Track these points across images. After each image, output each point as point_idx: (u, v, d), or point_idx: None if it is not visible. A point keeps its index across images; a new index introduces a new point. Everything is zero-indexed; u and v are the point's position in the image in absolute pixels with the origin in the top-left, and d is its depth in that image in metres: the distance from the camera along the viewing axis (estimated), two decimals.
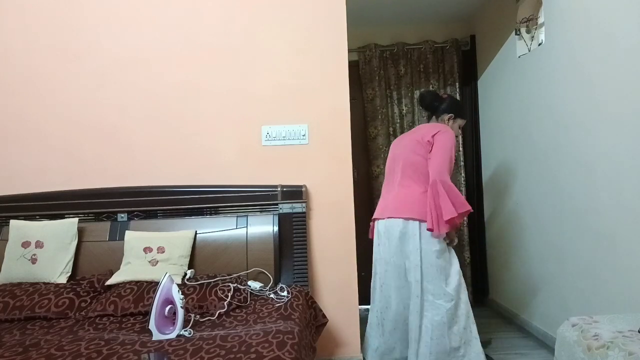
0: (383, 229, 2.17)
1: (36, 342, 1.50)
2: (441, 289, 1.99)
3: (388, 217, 2.13)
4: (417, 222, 2.03)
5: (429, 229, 1.99)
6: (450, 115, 2.26)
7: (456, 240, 2.12)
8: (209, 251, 2.16)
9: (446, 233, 2.00)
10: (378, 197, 3.55)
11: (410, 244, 2.04)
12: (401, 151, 2.20)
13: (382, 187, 2.36)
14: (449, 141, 2.06)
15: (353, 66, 3.29)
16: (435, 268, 2.01)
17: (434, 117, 2.30)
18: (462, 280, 2.06)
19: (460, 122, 2.31)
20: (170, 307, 1.56)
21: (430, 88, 3.48)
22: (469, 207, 1.99)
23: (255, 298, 1.94)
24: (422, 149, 2.10)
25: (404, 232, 2.05)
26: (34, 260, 2.03)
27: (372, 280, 2.26)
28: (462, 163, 3.44)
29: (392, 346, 2.15)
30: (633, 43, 1.76)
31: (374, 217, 2.29)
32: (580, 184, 2.15)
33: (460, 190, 3.44)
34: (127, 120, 2.35)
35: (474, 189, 3.44)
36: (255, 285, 2.02)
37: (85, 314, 1.81)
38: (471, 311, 2.04)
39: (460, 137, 3.46)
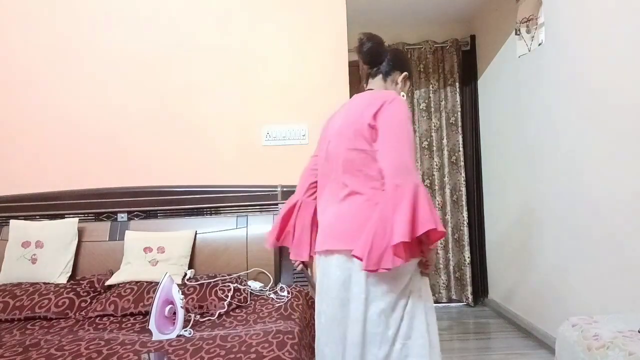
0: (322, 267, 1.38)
1: (36, 342, 1.50)
2: None
3: (326, 251, 1.35)
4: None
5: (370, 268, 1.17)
6: (404, 73, 1.47)
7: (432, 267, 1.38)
8: (209, 251, 2.16)
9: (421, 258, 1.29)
10: None
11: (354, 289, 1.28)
12: (337, 144, 1.38)
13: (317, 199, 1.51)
14: (403, 113, 1.28)
15: (353, 66, 3.28)
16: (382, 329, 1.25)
17: (379, 75, 1.45)
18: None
19: (409, 82, 1.52)
20: (170, 307, 1.56)
21: (430, 88, 3.47)
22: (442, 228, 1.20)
23: (255, 298, 1.94)
24: (362, 139, 1.30)
25: (347, 275, 1.28)
26: (34, 260, 2.03)
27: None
28: (462, 163, 3.44)
29: None
30: (633, 43, 1.76)
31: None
32: (580, 183, 2.15)
33: (461, 191, 3.44)
34: (127, 121, 2.35)
35: (473, 189, 3.44)
36: (255, 285, 2.02)
37: (85, 314, 1.81)
38: None
39: (460, 135, 3.46)
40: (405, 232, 1.13)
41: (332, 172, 1.39)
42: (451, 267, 3.45)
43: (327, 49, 2.35)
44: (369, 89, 1.45)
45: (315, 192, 1.54)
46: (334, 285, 1.30)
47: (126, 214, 2.28)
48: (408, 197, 1.16)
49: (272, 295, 1.94)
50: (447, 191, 3.45)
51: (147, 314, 1.72)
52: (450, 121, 3.45)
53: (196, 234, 2.17)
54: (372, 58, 1.44)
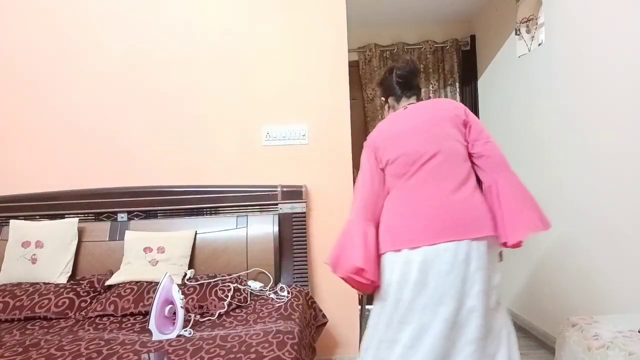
0: (432, 260, 1.38)
1: (36, 342, 1.50)
2: None
3: (448, 241, 1.37)
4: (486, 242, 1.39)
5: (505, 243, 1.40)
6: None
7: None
8: (209, 251, 2.16)
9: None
10: None
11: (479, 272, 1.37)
12: (432, 141, 1.46)
13: (387, 199, 1.51)
14: None
15: (353, 66, 3.29)
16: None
17: (414, 96, 1.64)
18: None
19: None
20: (170, 307, 1.56)
21: (431, 88, 3.47)
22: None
23: (255, 298, 1.94)
24: (459, 133, 1.49)
25: (468, 258, 1.37)
26: (34, 260, 2.03)
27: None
28: None
29: None
30: (633, 43, 1.76)
31: (399, 247, 1.43)
32: (580, 183, 2.15)
33: None
34: (127, 121, 2.35)
35: None
36: (255, 285, 2.02)
37: (85, 314, 1.81)
38: None
39: None
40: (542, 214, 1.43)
41: (429, 168, 1.44)
42: None
43: (327, 49, 2.35)
44: (411, 103, 1.62)
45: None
46: (455, 265, 1.36)
47: (126, 214, 2.28)
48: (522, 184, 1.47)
49: (272, 295, 1.94)
50: None
51: (147, 314, 1.72)
52: None
53: (196, 234, 2.17)
54: (413, 86, 1.65)
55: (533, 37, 2.54)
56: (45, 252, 2.05)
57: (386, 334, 1.41)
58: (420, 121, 1.51)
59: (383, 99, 1.72)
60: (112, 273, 2.04)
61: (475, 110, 3.47)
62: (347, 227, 1.49)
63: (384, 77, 1.69)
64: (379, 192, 1.51)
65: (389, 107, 1.70)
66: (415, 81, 1.65)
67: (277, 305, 1.82)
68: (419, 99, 1.66)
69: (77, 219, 2.17)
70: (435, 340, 1.33)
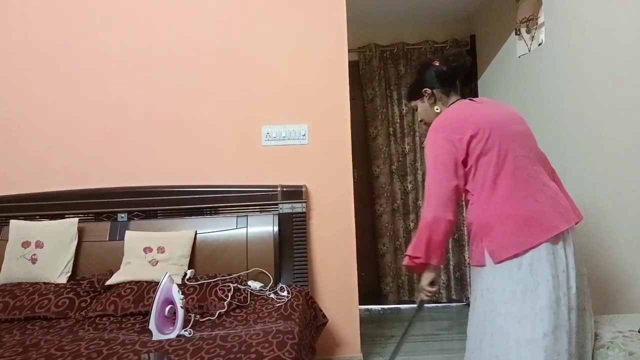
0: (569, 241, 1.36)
1: (36, 342, 1.50)
2: None
3: (575, 224, 1.40)
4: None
5: None
6: None
7: None
8: (209, 251, 2.16)
9: None
10: (378, 197, 3.61)
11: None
12: (520, 138, 1.44)
13: (508, 182, 1.37)
14: None
15: (353, 66, 3.29)
16: None
17: (457, 94, 1.61)
18: None
19: None
20: (170, 307, 1.56)
21: None
22: None
23: (255, 298, 1.94)
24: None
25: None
26: (34, 260, 2.03)
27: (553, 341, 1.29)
28: None
29: None
30: (633, 43, 1.76)
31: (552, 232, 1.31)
32: (580, 183, 2.15)
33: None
34: (127, 120, 2.35)
35: None
36: (255, 285, 2.02)
37: (85, 314, 1.81)
38: None
39: None
40: None
41: (528, 161, 1.40)
42: (451, 267, 3.45)
43: (327, 49, 2.35)
44: (458, 99, 1.57)
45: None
46: (577, 257, 1.37)
47: (126, 214, 2.28)
48: None
49: (272, 295, 1.94)
50: None
51: (147, 314, 1.72)
52: None
53: (196, 234, 2.17)
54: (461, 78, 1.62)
55: (533, 37, 2.54)
56: (45, 252, 2.05)
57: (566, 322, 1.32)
58: (507, 112, 1.49)
59: (428, 89, 1.57)
60: (112, 273, 2.04)
61: None
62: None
63: (437, 67, 1.57)
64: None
65: (435, 100, 1.58)
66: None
67: (277, 305, 1.82)
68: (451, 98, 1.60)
69: (77, 219, 2.17)
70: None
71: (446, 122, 1.45)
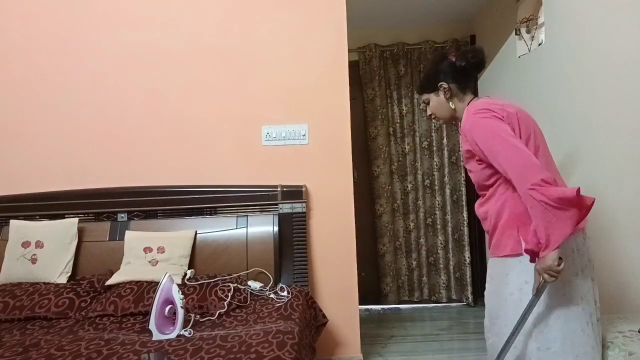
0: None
1: (36, 342, 1.50)
2: None
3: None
4: None
5: None
6: None
7: None
8: (209, 251, 2.16)
9: None
10: (378, 197, 3.61)
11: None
12: (544, 139, 1.53)
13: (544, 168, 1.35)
14: None
15: (353, 66, 3.29)
16: None
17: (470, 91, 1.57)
18: None
19: None
20: (170, 307, 1.56)
21: None
22: None
23: (255, 298, 1.94)
24: None
25: None
26: (34, 260, 2.03)
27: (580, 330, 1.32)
28: (462, 163, 3.44)
29: None
30: (633, 43, 1.76)
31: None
32: (580, 183, 2.14)
33: (461, 191, 3.45)
34: (127, 121, 2.35)
35: (473, 189, 3.44)
36: (255, 285, 2.02)
37: (85, 314, 1.81)
38: None
39: (460, 135, 3.45)
40: None
41: (552, 159, 1.51)
42: (451, 267, 3.45)
43: (327, 49, 2.35)
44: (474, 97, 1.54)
45: None
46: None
47: (126, 214, 2.28)
48: None
49: (272, 295, 1.94)
50: (447, 191, 3.45)
51: (147, 314, 1.72)
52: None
53: (196, 234, 2.17)
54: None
55: (533, 37, 2.54)
56: (45, 252, 2.05)
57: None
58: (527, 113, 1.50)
59: (444, 83, 1.51)
60: (112, 273, 2.04)
61: None
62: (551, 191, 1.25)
63: (449, 62, 1.51)
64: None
65: (451, 95, 1.51)
66: None
67: (277, 305, 1.82)
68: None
69: (77, 219, 2.17)
70: None
71: (487, 105, 1.41)
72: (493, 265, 1.46)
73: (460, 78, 1.50)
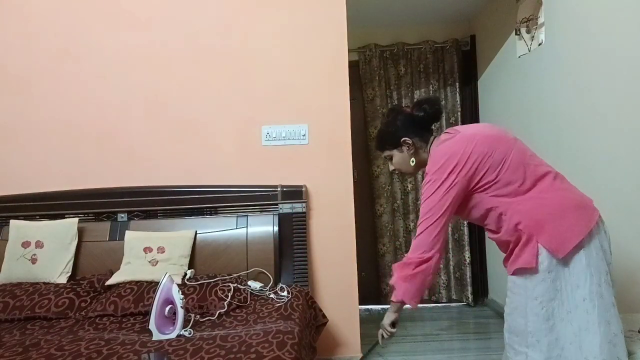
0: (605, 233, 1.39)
1: (36, 342, 1.50)
2: None
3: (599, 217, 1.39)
4: None
5: None
6: None
7: None
8: (209, 251, 2.16)
9: None
10: (378, 197, 3.61)
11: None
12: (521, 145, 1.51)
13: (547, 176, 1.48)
14: None
15: (353, 66, 3.28)
16: None
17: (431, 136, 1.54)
18: None
19: None
20: (170, 307, 1.56)
21: (430, 88, 3.47)
22: None
23: (255, 298, 1.94)
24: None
25: None
26: (34, 260, 2.03)
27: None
28: None
29: None
30: (633, 43, 1.76)
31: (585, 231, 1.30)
32: (579, 183, 2.15)
33: None
34: (127, 121, 2.35)
35: None
36: (255, 285, 2.02)
37: (85, 314, 1.81)
38: None
39: None
40: None
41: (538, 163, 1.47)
42: (451, 267, 3.45)
43: (327, 49, 2.35)
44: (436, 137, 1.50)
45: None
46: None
47: (126, 214, 2.28)
48: None
49: (272, 295, 1.94)
50: None
51: (147, 314, 1.72)
52: (451, 121, 3.45)
53: (196, 234, 2.17)
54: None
55: (533, 37, 2.54)
56: (45, 252, 2.05)
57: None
58: (488, 126, 1.48)
59: (407, 139, 1.45)
60: (112, 273, 2.04)
61: (475, 110, 3.47)
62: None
63: (406, 115, 1.50)
64: None
65: (415, 149, 1.47)
66: None
67: (277, 305, 1.82)
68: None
69: (77, 219, 2.17)
70: None
71: (448, 156, 1.34)
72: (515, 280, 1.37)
73: (420, 131, 1.47)
